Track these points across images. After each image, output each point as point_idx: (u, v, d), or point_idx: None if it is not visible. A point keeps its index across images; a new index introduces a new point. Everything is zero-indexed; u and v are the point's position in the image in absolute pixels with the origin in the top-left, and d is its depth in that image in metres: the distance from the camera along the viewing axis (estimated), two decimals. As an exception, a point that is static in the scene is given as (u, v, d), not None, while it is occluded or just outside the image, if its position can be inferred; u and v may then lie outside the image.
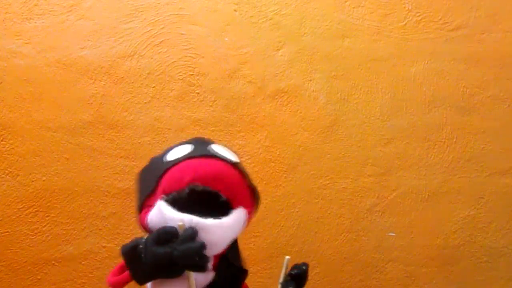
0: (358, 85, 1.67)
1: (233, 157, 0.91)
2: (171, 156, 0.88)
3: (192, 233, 0.79)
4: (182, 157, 0.86)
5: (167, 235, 0.80)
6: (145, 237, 0.82)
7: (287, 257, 0.96)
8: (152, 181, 0.87)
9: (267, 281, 1.58)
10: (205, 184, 0.82)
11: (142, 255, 0.80)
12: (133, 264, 0.82)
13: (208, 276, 0.87)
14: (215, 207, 0.84)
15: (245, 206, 0.88)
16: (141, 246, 0.81)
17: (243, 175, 0.90)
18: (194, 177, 0.82)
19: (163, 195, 0.84)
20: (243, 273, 0.96)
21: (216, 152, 0.89)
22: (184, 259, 0.79)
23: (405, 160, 1.67)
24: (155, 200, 0.85)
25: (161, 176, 0.86)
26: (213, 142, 0.93)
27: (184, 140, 0.94)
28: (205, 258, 0.80)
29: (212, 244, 0.82)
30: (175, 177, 0.84)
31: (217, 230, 0.83)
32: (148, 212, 0.86)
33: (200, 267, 0.81)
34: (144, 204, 0.89)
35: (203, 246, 0.79)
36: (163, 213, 0.82)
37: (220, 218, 0.83)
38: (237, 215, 0.86)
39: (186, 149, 0.88)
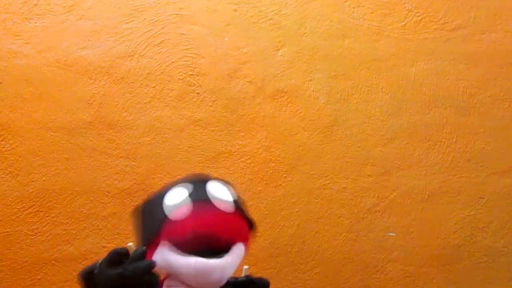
0: (358, 85, 1.67)
1: (230, 195, 0.94)
2: (170, 200, 0.91)
3: (140, 253, 0.83)
4: (182, 202, 0.90)
5: (118, 256, 0.83)
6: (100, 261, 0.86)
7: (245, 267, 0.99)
8: (153, 225, 0.91)
9: (267, 281, 1.58)
10: (206, 231, 0.88)
11: (97, 279, 0.84)
12: None
13: None
14: (216, 246, 0.89)
15: (243, 241, 0.95)
16: (96, 271, 0.84)
17: (240, 212, 0.95)
18: (196, 225, 0.88)
19: (166, 241, 0.89)
20: None
21: (214, 194, 0.92)
22: (133, 278, 0.82)
23: (405, 160, 1.67)
24: (158, 242, 0.90)
25: (163, 221, 0.90)
26: (209, 179, 0.96)
27: (181, 178, 0.97)
28: (153, 277, 0.84)
29: (216, 281, 0.89)
30: (178, 225, 0.89)
31: (220, 269, 0.89)
32: (152, 254, 0.91)
33: (150, 286, 0.84)
34: (148, 245, 0.93)
35: (151, 265, 0.83)
36: (166, 259, 0.89)
37: (221, 257, 0.89)
38: (237, 251, 0.92)
39: (184, 192, 0.92)
